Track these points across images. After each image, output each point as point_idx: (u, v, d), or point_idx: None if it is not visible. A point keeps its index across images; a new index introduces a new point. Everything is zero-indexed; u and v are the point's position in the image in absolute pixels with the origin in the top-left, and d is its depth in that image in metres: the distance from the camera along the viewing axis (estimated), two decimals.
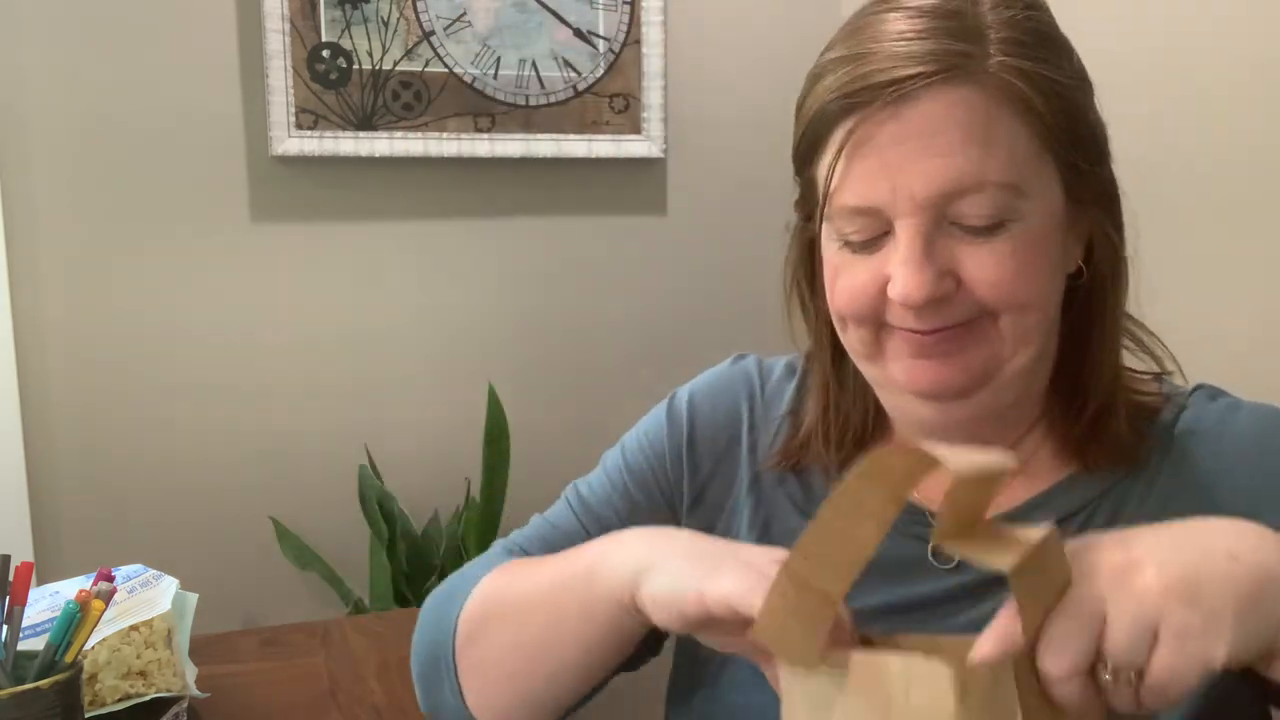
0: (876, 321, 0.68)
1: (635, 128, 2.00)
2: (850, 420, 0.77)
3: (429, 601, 0.84)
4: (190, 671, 1.00)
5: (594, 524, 0.83)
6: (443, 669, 0.78)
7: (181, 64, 1.76)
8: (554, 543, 0.83)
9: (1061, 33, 0.69)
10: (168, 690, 0.96)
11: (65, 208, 1.73)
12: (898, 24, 0.65)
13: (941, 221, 0.64)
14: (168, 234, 1.79)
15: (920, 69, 0.62)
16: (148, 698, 0.96)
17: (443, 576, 1.70)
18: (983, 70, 0.63)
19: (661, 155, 2.02)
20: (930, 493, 0.73)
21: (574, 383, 2.05)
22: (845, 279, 0.68)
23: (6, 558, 0.80)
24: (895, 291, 0.64)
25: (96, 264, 1.76)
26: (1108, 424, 0.70)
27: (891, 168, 0.63)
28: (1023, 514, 0.71)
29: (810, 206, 0.71)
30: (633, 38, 1.97)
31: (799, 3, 2.11)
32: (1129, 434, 0.69)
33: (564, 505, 0.87)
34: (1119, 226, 0.71)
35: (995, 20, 0.65)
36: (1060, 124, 0.65)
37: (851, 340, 0.70)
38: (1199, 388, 0.74)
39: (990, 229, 0.64)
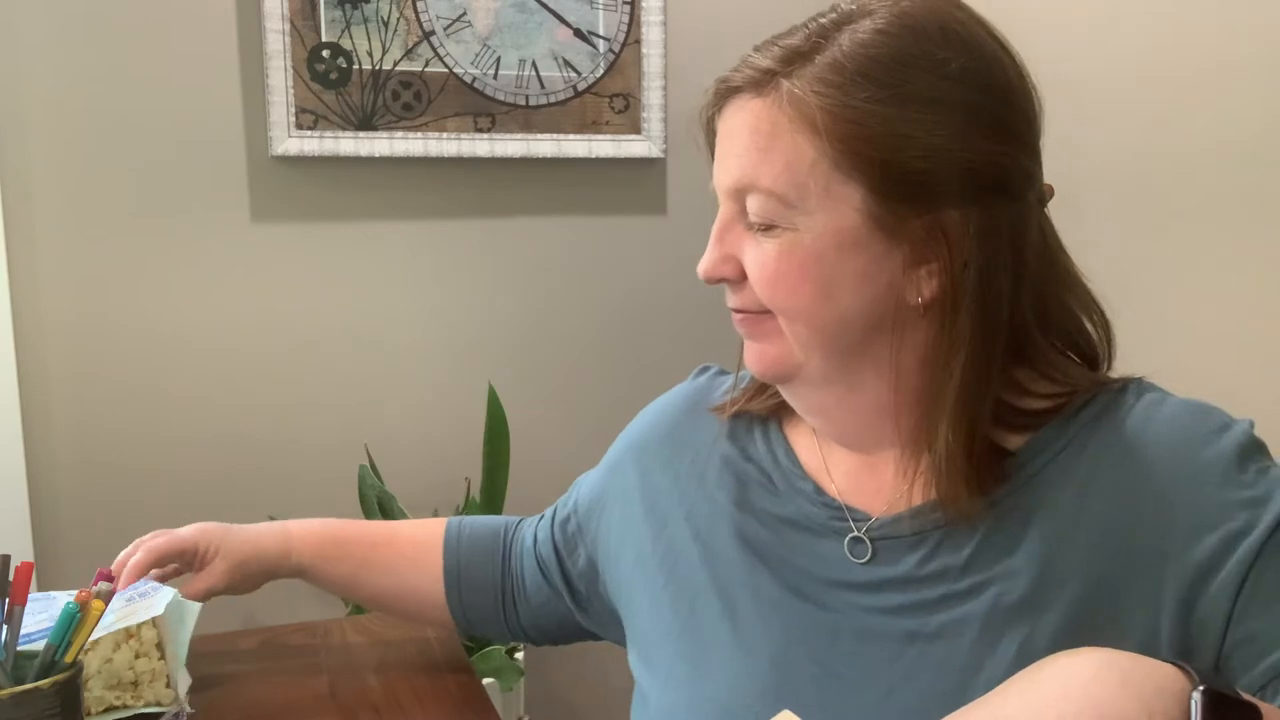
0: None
1: (635, 128, 2.00)
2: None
3: None
4: (184, 683, 0.99)
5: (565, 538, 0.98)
6: None
7: (182, 64, 1.76)
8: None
9: (924, 73, 0.67)
10: (157, 704, 0.95)
11: (65, 208, 1.73)
12: (772, 36, 0.73)
13: (743, 213, 0.72)
14: (168, 234, 1.79)
15: (737, 82, 0.72)
16: (133, 712, 0.94)
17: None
18: (777, 88, 0.70)
19: (661, 155, 2.02)
20: (848, 489, 0.77)
21: (574, 383, 2.05)
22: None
23: (6, 558, 0.80)
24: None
25: (96, 264, 1.76)
26: (956, 461, 0.69)
27: (719, 158, 0.74)
28: (930, 509, 0.72)
29: None
30: (633, 38, 1.97)
31: (798, 3, 2.11)
32: (977, 471, 0.69)
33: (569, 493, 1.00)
34: (986, 260, 0.68)
35: (801, 46, 0.70)
36: (856, 150, 0.67)
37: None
38: (1131, 381, 0.73)
39: (764, 228, 0.71)
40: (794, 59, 0.70)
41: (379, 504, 1.82)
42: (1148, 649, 0.64)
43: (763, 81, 0.70)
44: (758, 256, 0.71)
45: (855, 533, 0.75)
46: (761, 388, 0.85)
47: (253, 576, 1.03)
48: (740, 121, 0.71)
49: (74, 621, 0.79)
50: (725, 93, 0.73)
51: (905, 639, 0.70)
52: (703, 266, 0.74)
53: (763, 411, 0.84)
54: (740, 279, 0.73)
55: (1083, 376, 0.73)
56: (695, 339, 2.07)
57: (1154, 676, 0.52)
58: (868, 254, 0.69)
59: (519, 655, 1.81)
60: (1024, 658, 0.66)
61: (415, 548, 1.03)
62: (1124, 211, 1.49)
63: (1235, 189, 1.36)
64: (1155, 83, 1.45)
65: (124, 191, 1.76)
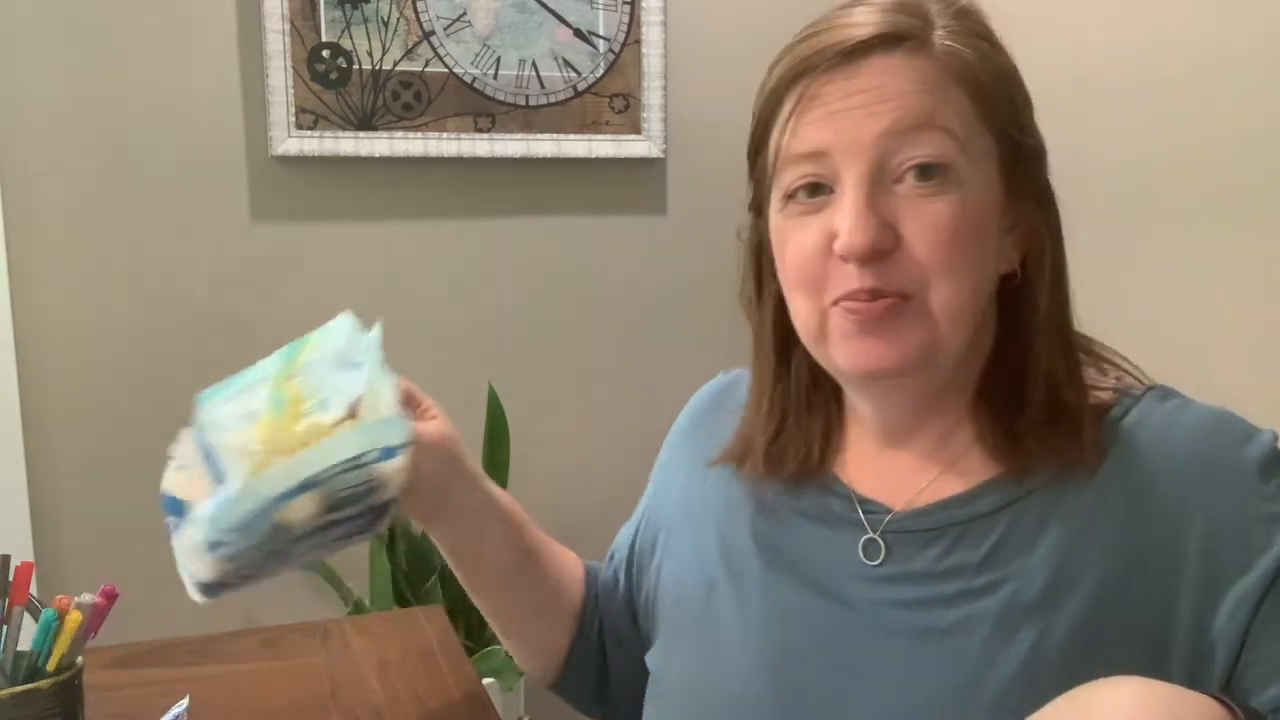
0: (820, 292, 0.69)
1: (635, 128, 2.00)
2: (790, 443, 0.78)
3: None
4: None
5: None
6: None
7: (182, 64, 1.76)
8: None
9: (1002, 45, 0.71)
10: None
11: (65, 208, 1.73)
12: (851, 14, 0.68)
13: (884, 177, 0.66)
14: (168, 234, 1.79)
15: (872, 33, 0.65)
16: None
17: (443, 577, 1.71)
18: (929, 42, 0.66)
19: (661, 155, 2.02)
20: (868, 482, 0.76)
21: (574, 383, 2.05)
22: (794, 242, 0.69)
23: (6, 558, 0.80)
24: (840, 243, 0.66)
25: (96, 264, 1.76)
26: (1039, 429, 0.69)
27: (841, 115, 0.66)
28: (951, 505, 0.72)
29: (762, 196, 0.74)
30: (633, 38, 1.97)
31: (799, 3, 2.11)
32: (1061, 438, 0.69)
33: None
34: (1056, 234, 0.71)
35: (936, 8, 0.68)
36: (1002, 107, 0.68)
37: (802, 319, 0.71)
38: (1153, 388, 0.73)
39: (931, 184, 0.65)
40: (926, 18, 0.67)
41: None
42: (1158, 655, 0.64)
43: (906, 35, 0.66)
44: (929, 218, 0.65)
45: (870, 532, 0.74)
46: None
47: (449, 463, 0.81)
48: (891, 74, 0.65)
49: (51, 629, 0.78)
50: (853, 50, 0.65)
51: (918, 635, 0.70)
52: (858, 240, 0.65)
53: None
54: (894, 249, 0.66)
55: (1104, 380, 0.73)
56: (695, 339, 2.07)
57: (1197, 709, 0.52)
58: (999, 219, 0.69)
59: None
60: (1037, 655, 0.66)
61: (570, 566, 0.94)
62: (1121, 211, 1.49)
63: (1233, 188, 1.36)
64: (1153, 81, 1.45)
65: (124, 191, 1.76)
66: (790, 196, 0.69)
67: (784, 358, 0.78)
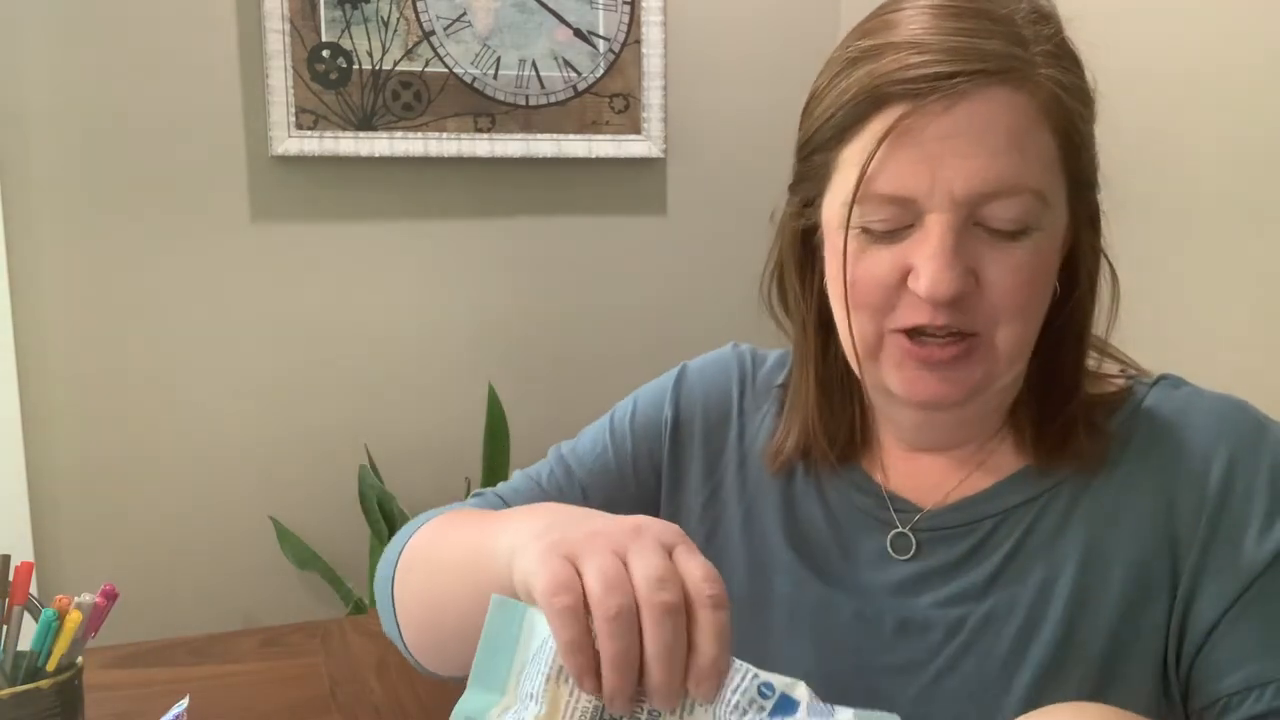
0: (883, 317, 0.67)
1: (635, 128, 2.00)
2: (839, 425, 0.77)
3: (398, 532, 0.84)
4: None
5: (570, 483, 0.85)
6: (386, 600, 0.79)
7: (181, 64, 1.76)
8: (531, 497, 0.83)
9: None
10: None
11: (65, 208, 1.73)
12: (945, 20, 0.64)
13: (969, 221, 0.64)
14: (167, 234, 1.79)
15: (978, 66, 0.62)
16: None
17: None
18: (1032, 77, 0.63)
19: (661, 155, 2.02)
20: (899, 481, 0.76)
21: (574, 383, 2.05)
22: (864, 266, 0.66)
23: (6, 558, 0.80)
24: (922, 286, 0.64)
25: (96, 264, 1.76)
26: (1064, 429, 0.71)
27: (934, 160, 0.62)
28: (980, 500, 0.72)
29: (814, 191, 0.70)
30: (633, 38, 1.97)
31: (799, 3, 2.11)
32: (1086, 434, 0.70)
33: (547, 460, 0.88)
34: (1099, 251, 0.71)
35: (1032, 33, 0.65)
36: (1079, 143, 0.66)
37: (857, 335, 0.69)
38: (1163, 377, 0.74)
39: (1014, 234, 0.64)
40: (1022, 41, 0.64)
41: (379, 504, 1.82)
42: (1165, 637, 0.66)
43: (1013, 68, 0.63)
44: (1008, 264, 0.64)
45: (900, 527, 0.74)
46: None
47: None
48: (992, 115, 0.62)
49: (51, 629, 0.78)
50: (952, 77, 0.62)
51: (950, 628, 0.70)
52: (942, 290, 0.63)
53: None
54: (972, 292, 0.65)
55: (1120, 371, 0.75)
56: (695, 339, 2.06)
57: None
58: (1060, 248, 0.68)
59: None
60: (1068, 645, 0.67)
61: None
62: (1123, 211, 1.48)
63: (1236, 189, 1.36)
64: (1165, 80, 1.45)
65: (124, 191, 1.76)
66: (867, 229, 0.66)
67: (823, 349, 0.76)
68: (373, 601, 1.79)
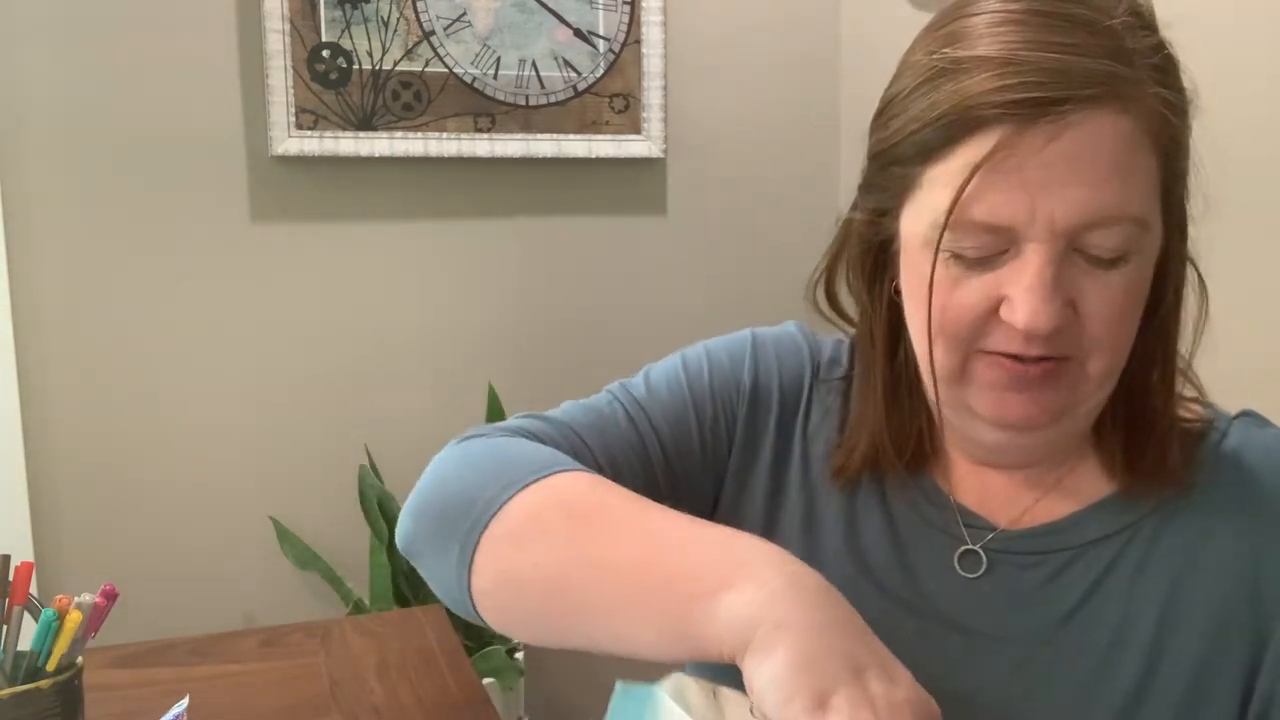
0: (970, 343, 0.64)
1: (635, 128, 2.00)
2: (908, 434, 0.74)
3: (464, 448, 0.75)
4: None
5: (648, 432, 0.76)
6: (460, 535, 0.67)
7: (181, 64, 1.76)
8: (609, 443, 0.75)
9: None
10: None
11: (65, 208, 1.73)
12: (1039, 32, 0.60)
13: (1068, 249, 0.61)
14: (167, 234, 1.79)
15: (1084, 91, 0.58)
16: None
17: None
18: (1138, 97, 0.60)
19: (661, 155, 2.02)
20: (968, 495, 0.73)
21: (574, 383, 2.04)
22: (955, 294, 0.63)
23: (6, 558, 0.80)
24: (1019, 318, 0.61)
25: (96, 264, 1.76)
26: (1156, 449, 0.68)
27: (1034, 188, 0.59)
28: (1061, 529, 0.70)
29: (891, 203, 0.67)
30: (633, 38, 1.97)
31: (799, 4, 2.11)
32: (1174, 459, 0.68)
33: (611, 403, 0.79)
34: (1185, 263, 0.69)
35: (1136, 46, 0.61)
36: (1179, 162, 0.64)
37: (938, 358, 0.66)
38: (1245, 413, 0.72)
39: (1112, 260, 0.61)
40: (1126, 56, 0.60)
41: (379, 504, 1.82)
42: (1243, 693, 0.65)
43: (1120, 91, 0.59)
44: (1104, 294, 0.61)
45: (970, 543, 0.71)
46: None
47: None
48: (1096, 142, 0.59)
49: (51, 629, 0.78)
50: (1051, 106, 0.58)
51: (1022, 656, 0.68)
52: (1043, 322, 0.60)
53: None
54: (1068, 321, 0.62)
55: (1203, 406, 0.73)
56: (695, 339, 2.06)
57: None
58: (1153, 265, 0.66)
59: (519, 655, 1.81)
60: (1143, 696, 0.65)
61: None
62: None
63: (1238, 190, 1.36)
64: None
65: (124, 191, 1.76)
66: (957, 255, 0.63)
67: (890, 357, 0.73)
68: (373, 602, 1.79)
